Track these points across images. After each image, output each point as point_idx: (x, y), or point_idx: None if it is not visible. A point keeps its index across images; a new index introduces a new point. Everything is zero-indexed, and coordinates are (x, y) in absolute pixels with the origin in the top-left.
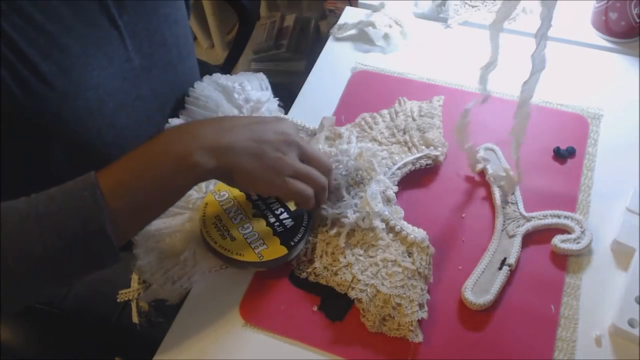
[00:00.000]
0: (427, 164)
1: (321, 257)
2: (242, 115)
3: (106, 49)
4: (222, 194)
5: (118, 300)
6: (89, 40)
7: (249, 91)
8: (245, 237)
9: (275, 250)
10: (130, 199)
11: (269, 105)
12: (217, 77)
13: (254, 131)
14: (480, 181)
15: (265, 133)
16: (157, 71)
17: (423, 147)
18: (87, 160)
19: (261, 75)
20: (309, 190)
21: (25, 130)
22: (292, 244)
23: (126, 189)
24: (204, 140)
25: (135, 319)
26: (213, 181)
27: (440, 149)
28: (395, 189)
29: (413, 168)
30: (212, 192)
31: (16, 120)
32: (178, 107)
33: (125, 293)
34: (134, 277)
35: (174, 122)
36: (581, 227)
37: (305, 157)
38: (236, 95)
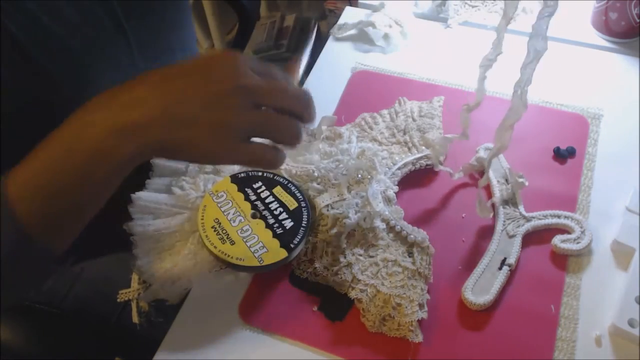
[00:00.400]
0: (427, 164)
1: (321, 257)
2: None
3: (112, 53)
4: (219, 194)
5: (118, 300)
6: (95, 43)
7: None
8: (244, 240)
9: (275, 253)
10: (44, 203)
11: None
12: None
13: (185, 90)
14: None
15: (198, 88)
16: None
17: (423, 147)
18: None
19: None
20: (268, 153)
21: (29, 133)
22: (292, 246)
23: (37, 192)
24: (117, 116)
25: (135, 319)
26: (211, 180)
27: (439, 148)
28: (396, 189)
29: (413, 168)
30: (209, 193)
31: (20, 122)
32: None
33: (125, 293)
34: (134, 277)
35: None
36: (581, 227)
37: (263, 97)
38: None
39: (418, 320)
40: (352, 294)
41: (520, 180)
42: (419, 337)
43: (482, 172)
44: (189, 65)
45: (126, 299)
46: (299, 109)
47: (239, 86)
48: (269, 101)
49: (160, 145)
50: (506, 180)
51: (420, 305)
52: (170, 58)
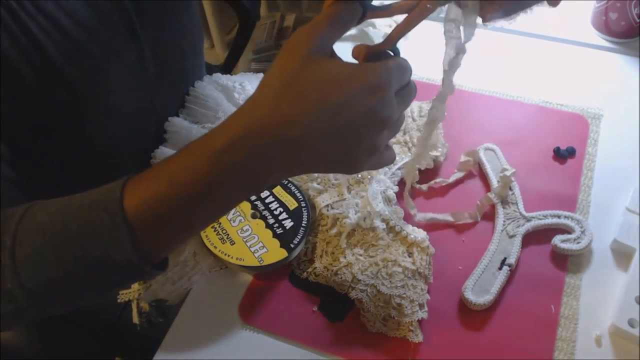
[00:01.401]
0: (427, 165)
1: (321, 257)
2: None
3: (124, 56)
4: None
5: (119, 300)
6: (110, 47)
7: (249, 91)
8: (244, 240)
9: (275, 253)
10: (166, 213)
11: None
12: (218, 76)
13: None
14: (480, 181)
15: (354, 150)
16: (169, 79)
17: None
18: (97, 167)
19: (261, 75)
20: (391, 157)
21: (44, 132)
22: (292, 246)
23: (161, 201)
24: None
25: (135, 319)
26: None
27: (440, 149)
28: (396, 189)
29: None
30: None
31: (36, 122)
32: None
33: (126, 293)
34: None
35: (174, 120)
36: (581, 227)
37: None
38: (236, 95)
39: (418, 320)
40: (352, 294)
41: (507, 172)
42: (419, 337)
43: (482, 173)
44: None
45: (127, 299)
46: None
47: (388, 122)
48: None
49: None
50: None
51: (421, 305)
52: (179, 62)
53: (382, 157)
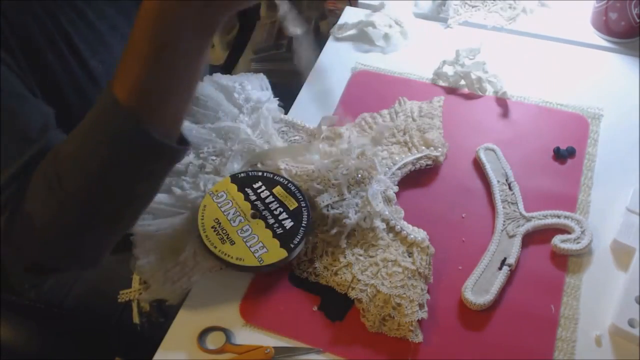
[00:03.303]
0: (427, 164)
1: (321, 257)
2: None
3: None
4: (219, 194)
5: (119, 300)
6: (127, 41)
7: (249, 91)
8: (244, 240)
9: (274, 253)
10: (154, 81)
11: (269, 104)
12: (218, 77)
13: None
14: (480, 181)
15: None
16: None
17: (423, 147)
18: None
19: (261, 75)
20: None
21: (62, 123)
22: (292, 246)
23: (138, 77)
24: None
25: (136, 319)
26: (211, 180)
27: (440, 149)
28: (396, 188)
29: (413, 168)
30: (209, 193)
31: (57, 106)
32: None
33: (127, 293)
34: (135, 278)
35: None
36: (581, 227)
37: None
38: (236, 95)
39: (418, 320)
40: (352, 294)
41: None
42: (419, 337)
43: (482, 173)
44: None
45: (127, 299)
46: None
47: None
48: None
49: None
50: (506, 180)
51: (420, 305)
52: None
53: None
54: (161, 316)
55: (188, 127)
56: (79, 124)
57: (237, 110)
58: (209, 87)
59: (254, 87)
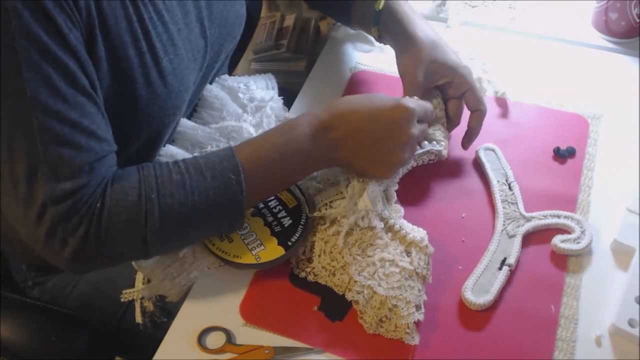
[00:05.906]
0: (429, 160)
1: (319, 256)
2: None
3: (196, 56)
4: None
5: (121, 300)
6: (189, 45)
7: (254, 90)
8: (242, 237)
9: (272, 251)
10: (266, 172)
11: (273, 104)
12: (223, 78)
13: (378, 156)
14: (480, 181)
15: (387, 154)
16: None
17: (425, 142)
18: (147, 154)
19: (269, 75)
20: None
21: (129, 113)
22: (290, 244)
23: (264, 163)
24: (324, 150)
25: (138, 318)
26: None
27: (443, 143)
28: (396, 187)
29: (415, 164)
30: None
31: (126, 100)
32: None
33: (129, 293)
34: (138, 277)
35: (183, 122)
36: (581, 227)
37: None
38: (241, 95)
39: (416, 322)
40: (349, 296)
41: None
42: (415, 340)
43: (482, 173)
44: (378, 127)
45: (130, 298)
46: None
47: (411, 142)
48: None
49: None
50: (506, 180)
51: (417, 307)
52: (221, 67)
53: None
54: (164, 316)
55: (194, 127)
56: (145, 115)
57: (241, 110)
58: (216, 88)
59: (260, 86)
